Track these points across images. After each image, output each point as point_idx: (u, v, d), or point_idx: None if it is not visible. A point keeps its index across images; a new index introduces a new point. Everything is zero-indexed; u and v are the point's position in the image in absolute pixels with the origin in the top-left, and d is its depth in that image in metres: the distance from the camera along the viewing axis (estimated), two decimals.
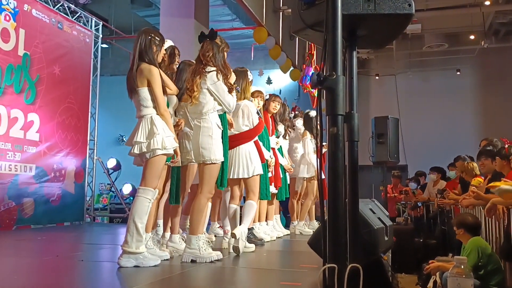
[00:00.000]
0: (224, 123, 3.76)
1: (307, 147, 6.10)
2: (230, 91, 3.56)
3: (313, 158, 6.07)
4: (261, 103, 4.84)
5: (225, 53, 3.64)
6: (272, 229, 5.44)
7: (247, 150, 4.21)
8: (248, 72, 4.35)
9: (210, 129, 3.48)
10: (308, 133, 6.15)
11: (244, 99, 4.30)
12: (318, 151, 1.83)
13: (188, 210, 4.22)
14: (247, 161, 4.16)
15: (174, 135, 3.28)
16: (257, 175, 4.21)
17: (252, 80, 4.42)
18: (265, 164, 4.66)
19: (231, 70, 3.69)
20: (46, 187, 7.20)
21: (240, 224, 4.07)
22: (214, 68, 3.51)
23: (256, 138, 4.38)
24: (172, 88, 3.56)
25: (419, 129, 12.16)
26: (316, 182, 6.11)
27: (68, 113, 7.76)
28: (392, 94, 12.79)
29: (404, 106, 12.40)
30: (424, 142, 11.99)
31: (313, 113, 6.21)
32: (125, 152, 3.37)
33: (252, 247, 4.13)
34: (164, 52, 3.50)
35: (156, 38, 3.28)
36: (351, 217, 1.82)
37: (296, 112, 6.80)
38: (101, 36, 8.82)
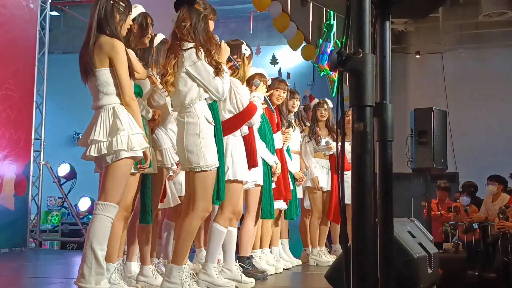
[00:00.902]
0: (216, 114, 3.70)
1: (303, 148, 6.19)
2: (218, 73, 3.53)
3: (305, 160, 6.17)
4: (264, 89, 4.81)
5: (210, 22, 3.63)
6: (277, 258, 5.46)
7: (225, 145, 3.90)
8: (243, 46, 4.29)
9: (197, 126, 3.48)
10: (308, 129, 6.22)
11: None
12: (340, 154, 1.83)
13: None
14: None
15: (143, 132, 3.28)
16: (235, 182, 3.95)
17: (250, 55, 4.35)
18: (268, 171, 4.66)
19: (220, 43, 3.67)
20: None
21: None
22: (192, 44, 3.51)
23: (247, 129, 4.19)
24: (140, 70, 3.56)
25: (473, 126, 12.14)
26: (320, 192, 6.15)
27: (6, 104, 7.74)
28: (437, 78, 12.78)
29: (453, 94, 12.39)
30: (480, 143, 11.97)
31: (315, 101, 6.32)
32: (81, 155, 3.36)
33: (251, 282, 4.13)
34: (131, 22, 3.50)
35: (121, 3, 3.30)
36: (383, 243, 1.81)
37: (307, 102, 6.82)
38: (50, 0, 8.81)
